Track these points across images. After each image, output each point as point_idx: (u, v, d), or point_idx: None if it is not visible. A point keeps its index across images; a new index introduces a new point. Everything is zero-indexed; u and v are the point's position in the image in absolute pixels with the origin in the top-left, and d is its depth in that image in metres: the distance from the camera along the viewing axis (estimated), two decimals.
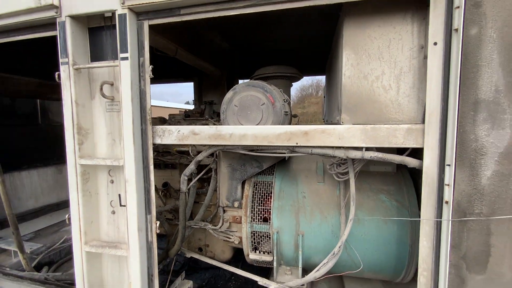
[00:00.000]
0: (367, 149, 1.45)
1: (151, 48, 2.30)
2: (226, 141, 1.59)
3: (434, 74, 1.26)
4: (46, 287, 2.05)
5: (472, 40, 1.09)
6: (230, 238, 2.20)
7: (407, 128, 1.35)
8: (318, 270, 1.81)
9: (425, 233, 1.32)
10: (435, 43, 1.25)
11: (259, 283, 1.96)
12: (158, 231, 1.74)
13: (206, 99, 3.47)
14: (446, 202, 1.20)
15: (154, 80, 4.48)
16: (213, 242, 2.52)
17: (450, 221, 1.16)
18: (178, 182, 2.50)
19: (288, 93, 2.67)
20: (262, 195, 2.13)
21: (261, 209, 2.10)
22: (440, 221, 1.24)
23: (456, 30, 1.15)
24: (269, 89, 1.83)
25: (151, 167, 1.72)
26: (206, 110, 3.26)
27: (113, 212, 1.88)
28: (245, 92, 1.86)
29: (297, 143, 1.49)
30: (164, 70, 4.03)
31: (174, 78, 4.16)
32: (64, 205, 3.61)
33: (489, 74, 1.06)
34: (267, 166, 2.11)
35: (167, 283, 2.00)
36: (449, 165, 1.20)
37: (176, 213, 2.44)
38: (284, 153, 1.70)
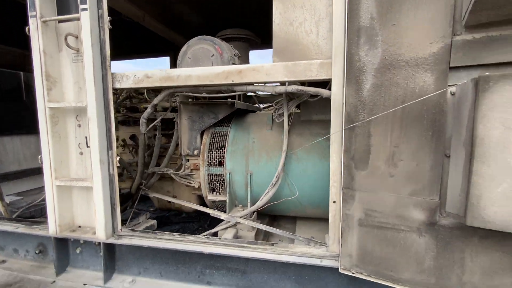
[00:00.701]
0: (290, 84, 1.70)
1: (119, 13, 2.52)
2: (175, 82, 1.83)
3: (338, 14, 1.52)
4: (22, 224, 2.29)
5: None
6: (191, 183, 2.45)
7: (320, 63, 1.61)
8: (262, 199, 2.08)
9: (334, 150, 1.58)
10: None
11: (211, 215, 2.23)
12: (117, 165, 1.98)
13: None
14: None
15: (132, 55, 4.69)
16: (180, 193, 2.78)
17: (343, 130, 1.42)
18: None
19: (246, 55, 2.91)
20: (218, 144, 2.38)
21: (217, 155, 2.35)
22: (343, 138, 1.50)
23: None
24: (218, 42, 2.07)
25: (111, 107, 1.95)
26: None
27: (81, 153, 2.12)
28: (197, 45, 2.09)
29: (233, 81, 1.74)
30: (142, 45, 4.23)
31: (152, 52, 4.36)
32: None
33: (366, 5, 1.31)
34: (222, 116, 2.36)
35: (129, 218, 2.25)
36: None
37: (145, 167, 2.68)
38: (228, 94, 1.94)
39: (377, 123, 1.33)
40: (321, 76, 1.61)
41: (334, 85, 1.55)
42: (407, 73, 1.25)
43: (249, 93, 2.75)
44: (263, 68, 1.69)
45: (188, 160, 2.49)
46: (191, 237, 1.95)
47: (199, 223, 3.22)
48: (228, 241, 1.87)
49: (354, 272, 1.48)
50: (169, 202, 2.85)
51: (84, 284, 2.04)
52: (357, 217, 1.42)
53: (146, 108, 2.65)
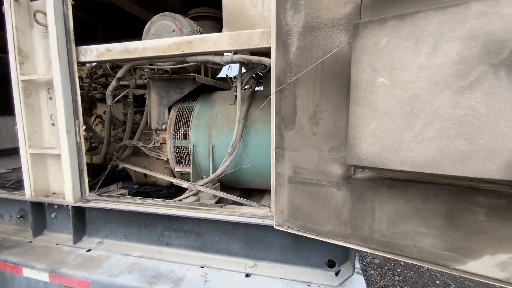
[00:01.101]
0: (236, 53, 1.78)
1: None
2: (132, 54, 1.94)
3: None
4: (5, 190, 2.48)
5: None
6: (160, 156, 2.58)
7: (261, 32, 1.68)
8: (220, 168, 2.19)
9: (273, 114, 1.67)
10: None
11: (174, 183, 2.36)
12: (84, 134, 2.13)
13: None
14: None
15: (114, 40, 4.80)
16: (155, 168, 2.91)
17: (274, 93, 1.51)
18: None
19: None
20: (185, 118, 2.49)
21: (183, 129, 2.47)
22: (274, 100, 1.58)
23: None
24: (178, 17, 2.16)
25: (77, 80, 2.08)
26: None
27: (53, 125, 2.27)
28: (159, 22, 2.19)
29: (183, 51, 1.83)
30: (122, 29, 4.34)
31: (135, 37, 4.46)
32: None
33: None
34: (187, 91, 2.46)
35: (98, 185, 2.40)
36: None
37: (120, 140, 2.83)
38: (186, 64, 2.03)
39: (302, 85, 1.41)
40: (263, 44, 1.68)
41: (273, 53, 1.62)
42: (325, 34, 1.32)
43: (225, 75, 2.83)
44: (210, 38, 1.78)
45: (158, 135, 2.62)
46: (149, 201, 2.08)
47: None
48: (181, 203, 2.00)
49: (286, 227, 1.58)
50: (145, 176, 3.01)
51: (57, 244, 2.22)
52: (287, 174, 1.52)
53: (122, 85, 2.79)
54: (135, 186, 3.85)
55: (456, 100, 0.77)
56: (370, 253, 4.46)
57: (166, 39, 1.86)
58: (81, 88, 2.77)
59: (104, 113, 2.76)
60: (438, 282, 3.66)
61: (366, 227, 1.31)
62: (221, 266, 1.86)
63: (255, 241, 1.88)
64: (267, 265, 1.84)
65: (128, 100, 2.60)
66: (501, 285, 1.07)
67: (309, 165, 1.44)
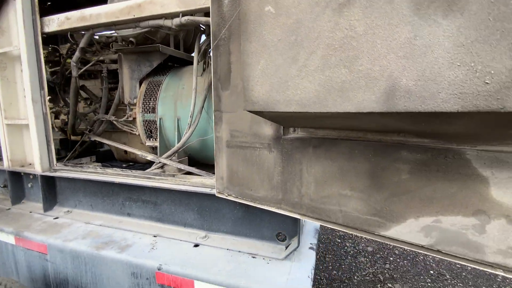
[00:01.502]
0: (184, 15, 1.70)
1: None
2: (88, 21, 1.92)
3: None
4: None
5: None
6: (133, 130, 2.59)
7: None
8: (182, 139, 2.15)
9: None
10: None
11: (139, 155, 2.35)
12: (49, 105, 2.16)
13: None
14: None
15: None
16: (133, 144, 2.93)
17: (211, 51, 1.42)
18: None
19: None
20: (154, 91, 2.47)
21: (151, 102, 2.44)
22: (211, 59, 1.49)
23: None
24: None
25: (41, 50, 2.11)
26: None
27: (25, 97, 2.33)
28: None
29: (134, 16, 1.78)
30: None
31: None
32: None
33: None
34: (156, 64, 2.42)
35: (68, 157, 2.46)
36: None
37: (97, 113, 2.86)
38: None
39: (234, 39, 1.31)
40: (207, 4, 1.58)
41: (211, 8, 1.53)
42: None
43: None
44: (158, 0, 1.71)
45: (131, 109, 2.61)
46: (109, 170, 2.09)
47: None
48: (137, 173, 1.99)
49: (226, 194, 1.51)
50: (126, 152, 3.04)
51: (30, 212, 2.32)
52: (225, 138, 1.44)
53: (98, 61, 2.81)
54: (123, 165, 3.93)
55: (336, 21, 0.65)
56: (361, 238, 4.28)
57: (118, 3, 1.82)
58: (58, 64, 2.83)
59: (82, 88, 2.80)
60: (432, 272, 3.45)
61: (295, 191, 1.22)
62: (174, 236, 1.84)
63: (208, 212, 1.83)
64: (218, 236, 1.80)
65: (102, 74, 2.61)
66: (426, 253, 0.94)
67: (244, 127, 1.35)
